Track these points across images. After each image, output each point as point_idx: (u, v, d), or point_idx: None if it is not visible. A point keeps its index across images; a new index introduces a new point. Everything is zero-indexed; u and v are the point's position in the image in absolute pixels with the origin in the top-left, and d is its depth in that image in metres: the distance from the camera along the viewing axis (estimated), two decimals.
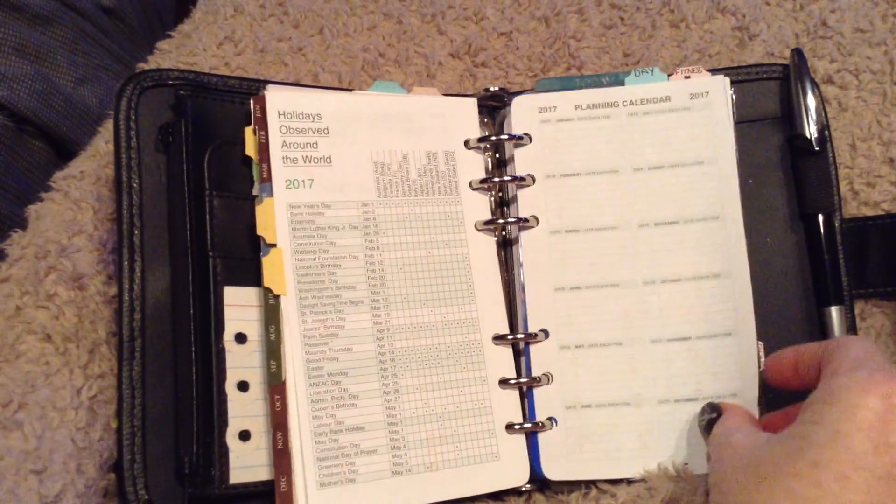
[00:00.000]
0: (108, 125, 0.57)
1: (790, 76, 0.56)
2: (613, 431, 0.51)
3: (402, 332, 0.51)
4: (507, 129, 0.56)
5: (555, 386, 0.52)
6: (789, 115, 0.55)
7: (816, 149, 0.54)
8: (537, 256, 0.53)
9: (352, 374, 0.49)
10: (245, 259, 0.50)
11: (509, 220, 0.54)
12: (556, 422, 0.51)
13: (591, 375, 0.52)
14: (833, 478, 0.34)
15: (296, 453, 0.46)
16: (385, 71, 0.62)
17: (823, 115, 0.55)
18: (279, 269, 0.49)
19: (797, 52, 0.56)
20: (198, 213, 0.49)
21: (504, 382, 0.52)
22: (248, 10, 0.63)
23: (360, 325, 0.50)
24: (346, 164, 0.52)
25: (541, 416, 0.51)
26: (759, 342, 0.52)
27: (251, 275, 0.49)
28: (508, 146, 0.55)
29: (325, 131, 0.52)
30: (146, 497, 0.46)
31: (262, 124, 0.51)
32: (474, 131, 0.56)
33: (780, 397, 0.52)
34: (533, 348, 0.52)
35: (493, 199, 0.55)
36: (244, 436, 0.48)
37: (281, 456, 0.47)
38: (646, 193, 0.53)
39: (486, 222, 0.54)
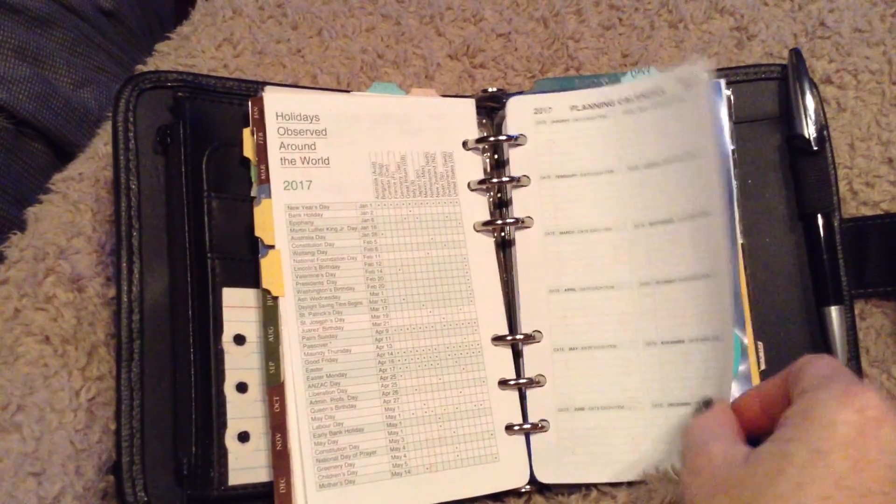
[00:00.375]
0: (107, 127, 0.57)
1: (789, 76, 0.56)
2: (606, 435, 0.50)
3: (401, 333, 0.51)
4: (504, 130, 0.56)
5: (548, 388, 0.52)
6: (788, 116, 0.55)
7: (815, 149, 0.54)
8: (532, 257, 0.53)
9: (351, 375, 0.49)
10: (243, 260, 0.50)
11: (507, 220, 0.54)
12: (548, 424, 0.51)
13: (584, 378, 0.51)
14: (816, 498, 0.34)
15: (295, 455, 0.46)
16: (383, 72, 0.62)
17: (822, 115, 0.55)
18: (277, 270, 0.49)
19: (795, 53, 0.56)
20: (196, 214, 0.49)
21: (503, 383, 0.52)
22: (247, 12, 0.63)
23: (358, 326, 0.50)
24: (345, 166, 0.52)
25: (534, 418, 0.51)
26: (759, 342, 0.52)
27: (250, 276, 0.49)
28: (506, 147, 0.55)
29: (324, 133, 0.52)
30: (145, 499, 0.46)
31: (260, 126, 0.51)
32: (472, 132, 0.56)
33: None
34: (527, 349, 0.52)
35: (491, 199, 0.55)
36: (243, 437, 0.47)
37: (280, 457, 0.47)
38: (641, 192, 0.53)
39: (485, 223, 0.54)
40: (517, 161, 0.54)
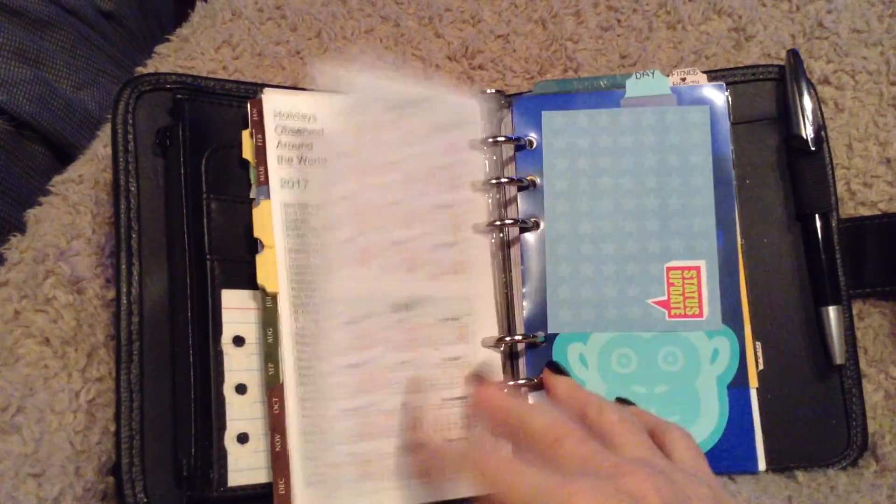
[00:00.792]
0: (106, 129, 0.57)
1: (786, 77, 0.56)
2: None
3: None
4: (507, 131, 0.56)
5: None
6: (786, 116, 0.55)
7: (813, 149, 0.54)
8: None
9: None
10: (243, 262, 0.50)
11: (507, 221, 0.54)
12: None
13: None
14: None
15: (294, 455, 0.46)
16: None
17: (820, 115, 0.55)
18: (272, 267, 0.49)
19: (793, 53, 0.56)
20: (195, 216, 0.49)
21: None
22: (246, 14, 0.63)
23: None
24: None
25: None
26: (757, 342, 0.52)
27: (249, 277, 0.49)
28: (506, 148, 0.56)
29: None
30: (145, 500, 0.46)
31: (259, 128, 0.51)
32: (478, 131, 0.56)
33: (781, 396, 0.52)
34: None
35: (492, 200, 0.55)
36: (242, 438, 0.48)
37: (279, 458, 0.47)
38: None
39: (486, 223, 0.54)
40: (523, 162, 0.55)
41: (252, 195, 0.51)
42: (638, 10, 0.64)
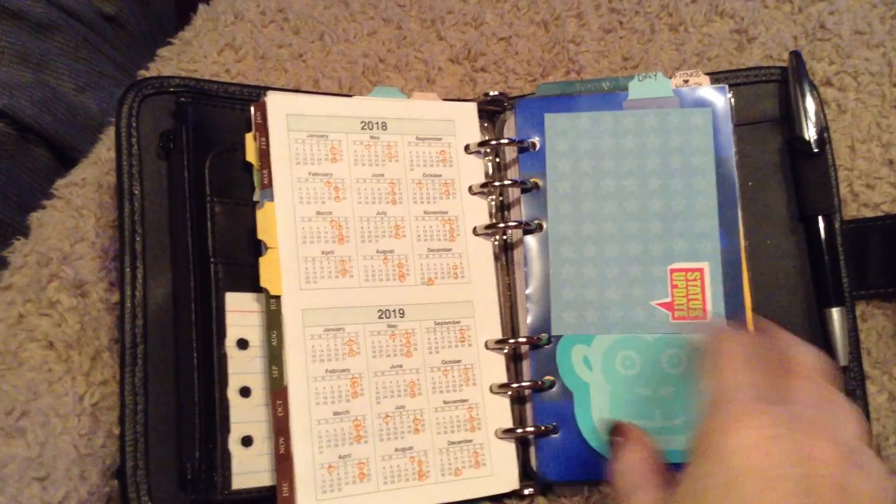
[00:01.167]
0: (110, 132, 0.57)
1: (789, 79, 0.56)
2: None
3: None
4: (510, 134, 0.56)
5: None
6: (788, 118, 0.55)
7: (816, 151, 0.54)
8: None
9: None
10: (246, 265, 0.50)
11: (510, 223, 0.54)
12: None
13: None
14: None
15: (297, 458, 0.46)
16: (385, 76, 0.62)
17: (822, 117, 0.55)
18: (275, 269, 0.49)
19: (795, 55, 0.56)
20: (199, 219, 0.49)
21: (499, 388, 0.52)
22: (249, 17, 0.63)
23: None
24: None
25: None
26: None
27: (252, 280, 0.49)
28: (509, 150, 0.56)
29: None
30: (149, 503, 0.46)
31: (263, 130, 0.51)
32: (474, 136, 0.56)
33: None
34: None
35: (492, 203, 0.55)
36: (246, 441, 0.48)
37: (283, 461, 0.47)
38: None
39: (486, 227, 0.54)
40: (526, 165, 0.55)
41: (255, 198, 0.51)
42: (640, 13, 0.64)
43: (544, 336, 0.53)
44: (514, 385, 0.52)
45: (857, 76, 0.60)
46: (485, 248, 0.54)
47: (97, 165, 0.56)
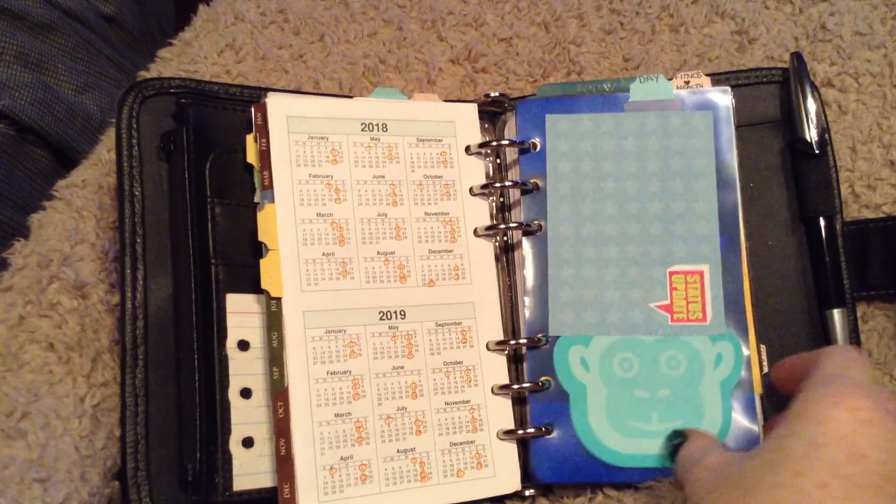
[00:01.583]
0: (110, 134, 0.57)
1: (790, 80, 0.56)
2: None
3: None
4: (510, 135, 0.56)
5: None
6: (789, 119, 0.55)
7: (817, 152, 0.54)
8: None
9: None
10: (247, 266, 0.50)
11: (511, 224, 0.54)
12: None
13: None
14: (814, 485, 0.35)
15: (298, 460, 0.46)
16: (385, 77, 0.62)
17: (823, 118, 0.55)
18: (276, 270, 0.49)
19: (796, 56, 0.56)
20: (199, 220, 0.49)
21: (500, 389, 0.52)
22: (249, 18, 0.63)
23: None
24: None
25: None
26: (762, 345, 0.52)
27: (253, 282, 0.49)
28: (510, 151, 0.56)
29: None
30: None
31: (263, 132, 0.51)
32: (475, 137, 0.56)
33: (785, 399, 0.52)
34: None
35: (493, 204, 0.55)
36: (247, 443, 0.48)
37: (284, 462, 0.47)
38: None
39: (487, 228, 0.54)
40: (527, 166, 0.55)
41: (256, 199, 0.51)
42: (641, 14, 0.64)
43: (543, 337, 0.52)
44: (515, 386, 0.52)
45: (858, 77, 0.60)
46: (486, 250, 0.54)
47: (97, 167, 0.56)
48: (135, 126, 0.51)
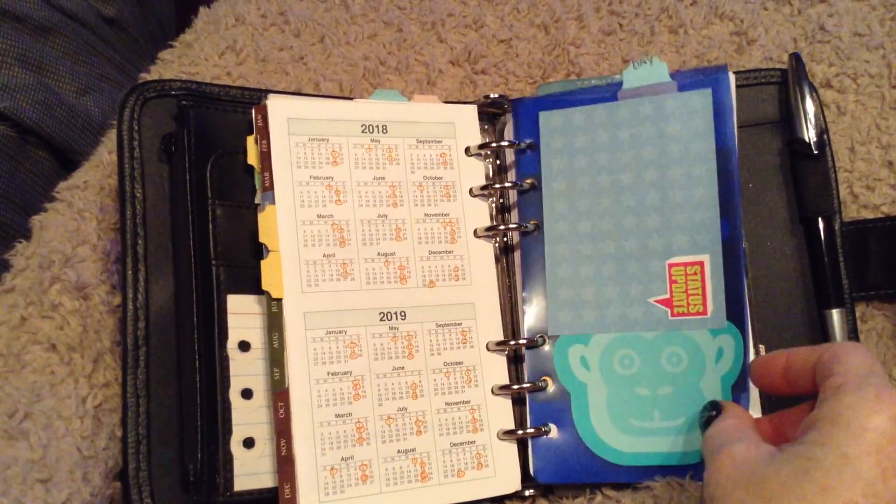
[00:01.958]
0: (111, 135, 0.58)
1: (789, 81, 0.56)
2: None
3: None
4: (509, 136, 0.56)
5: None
6: (788, 120, 0.56)
7: (815, 152, 0.55)
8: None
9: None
10: (248, 267, 0.50)
11: (511, 225, 0.54)
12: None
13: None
14: (841, 503, 0.34)
15: (299, 460, 0.47)
16: (386, 79, 0.62)
17: (822, 119, 0.55)
18: (277, 271, 0.49)
19: (795, 57, 0.56)
20: (201, 221, 0.50)
21: (500, 389, 0.52)
22: (250, 20, 0.63)
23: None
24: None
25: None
26: (760, 345, 0.52)
27: (254, 283, 0.49)
28: (509, 152, 0.56)
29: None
30: None
31: (264, 133, 0.51)
32: (475, 138, 0.56)
33: (783, 400, 0.52)
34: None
35: (493, 205, 0.55)
36: (248, 443, 0.48)
37: (284, 463, 0.47)
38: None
39: (487, 229, 0.54)
40: (524, 166, 0.55)
41: (257, 200, 0.51)
42: (640, 15, 0.64)
43: (541, 337, 0.53)
44: (515, 386, 0.52)
45: (856, 78, 0.60)
46: (486, 250, 0.54)
47: (99, 168, 0.56)
48: (136, 128, 0.51)
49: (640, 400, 0.51)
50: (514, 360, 0.54)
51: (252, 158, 0.51)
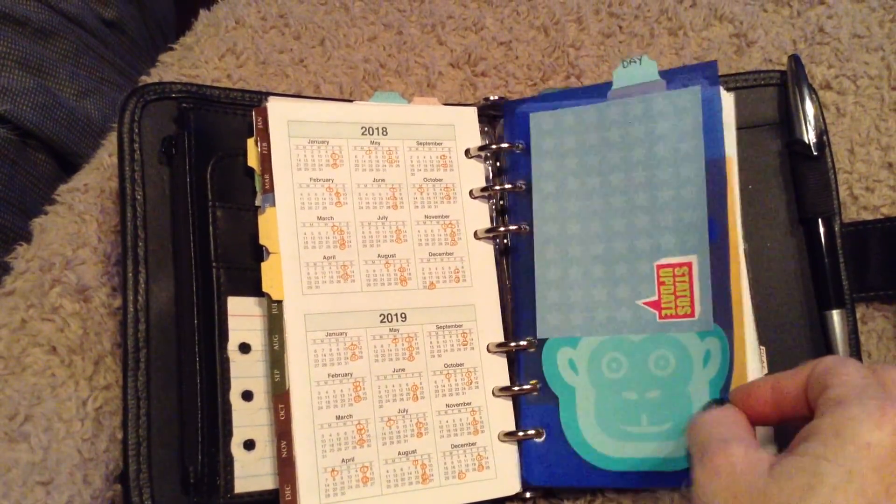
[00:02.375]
0: (112, 138, 0.58)
1: (788, 82, 0.56)
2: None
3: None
4: (509, 138, 0.56)
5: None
6: (788, 121, 0.56)
7: (815, 154, 0.55)
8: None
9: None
10: (248, 269, 0.50)
11: (511, 227, 0.54)
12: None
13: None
14: None
15: (299, 462, 0.47)
16: (386, 81, 0.62)
17: (822, 120, 0.55)
18: (277, 273, 0.49)
19: (794, 59, 0.56)
20: (201, 224, 0.50)
21: (501, 391, 0.52)
22: (250, 23, 0.63)
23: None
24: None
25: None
26: (761, 347, 0.52)
27: (254, 285, 0.49)
28: (509, 154, 0.56)
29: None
30: None
31: (264, 136, 0.51)
32: (475, 140, 0.56)
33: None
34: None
35: (493, 206, 0.56)
36: (249, 445, 0.48)
37: (285, 465, 0.47)
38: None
39: (487, 230, 0.54)
40: (518, 168, 0.55)
41: (257, 203, 0.51)
42: (639, 17, 0.64)
43: (531, 340, 0.52)
44: (516, 388, 0.52)
45: (856, 80, 0.60)
46: (486, 252, 0.54)
47: (99, 171, 0.56)
48: (136, 130, 0.51)
49: (627, 404, 0.51)
50: (515, 363, 0.54)
51: (252, 161, 0.51)
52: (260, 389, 0.49)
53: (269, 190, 0.50)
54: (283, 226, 0.50)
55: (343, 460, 0.48)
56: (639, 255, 0.52)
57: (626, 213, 0.52)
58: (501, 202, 0.56)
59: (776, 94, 0.57)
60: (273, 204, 0.50)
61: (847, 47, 0.61)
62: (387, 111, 0.54)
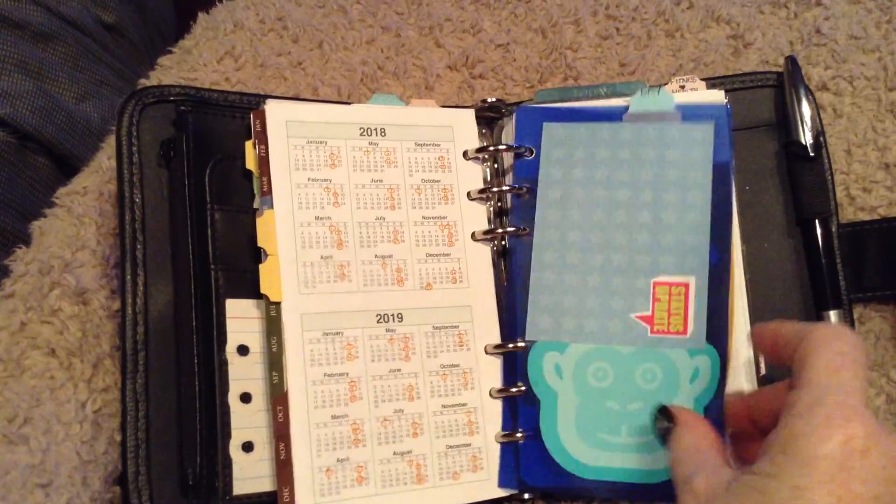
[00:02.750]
0: (110, 141, 0.58)
1: (785, 83, 0.56)
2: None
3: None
4: (508, 140, 0.56)
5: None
6: (784, 122, 0.56)
7: (812, 155, 0.55)
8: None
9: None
10: (246, 271, 0.50)
11: (508, 229, 0.54)
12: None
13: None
14: None
15: (298, 463, 0.47)
16: (384, 84, 0.62)
17: (818, 121, 0.55)
18: (275, 275, 0.49)
19: (791, 60, 0.57)
20: (199, 226, 0.50)
21: (497, 392, 0.52)
22: (248, 26, 0.63)
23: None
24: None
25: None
26: (760, 355, 0.52)
27: (253, 287, 0.50)
28: (507, 156, 0.56)
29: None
30: None
31: (262, 138, 0.51)
32: (473, 142, 0.56)
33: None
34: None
35: (491, 208, 0.56)
36: (247, 447, 0.48)
37: (283, 466, 0.47)
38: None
39: (485, 232, 0.54)
40: (521, 171, 0.55)
41: (255, 205, 0.51)
42: (637, 19, 0.65)
43: (521, 341, 0.52)
44: (514, 389, 0.52)
45: (852, 81, 0.61)
46: (483, 254, 0.55)
47: (98, 174, 0.56)
48: (135, 133, 0.51)
49: (609, 414, 0.51)
50: (510, 364, 0.54)
51: (250, 163, 0.52)
52: (258, 391, 0.49)
53: (267, 192, 0.50)
54: (280, 226, 0.50)
55: (338, 460, 0.48)
56: (636, 270, 0.52)
57: (628, 228, 0.53)
58: (499, 204, 0.56)
59: (773, 95, 0.57)
60: (271, 206, 0.50)
61: (844, 49, 0.62)
62: (385, 113, 0.54)
